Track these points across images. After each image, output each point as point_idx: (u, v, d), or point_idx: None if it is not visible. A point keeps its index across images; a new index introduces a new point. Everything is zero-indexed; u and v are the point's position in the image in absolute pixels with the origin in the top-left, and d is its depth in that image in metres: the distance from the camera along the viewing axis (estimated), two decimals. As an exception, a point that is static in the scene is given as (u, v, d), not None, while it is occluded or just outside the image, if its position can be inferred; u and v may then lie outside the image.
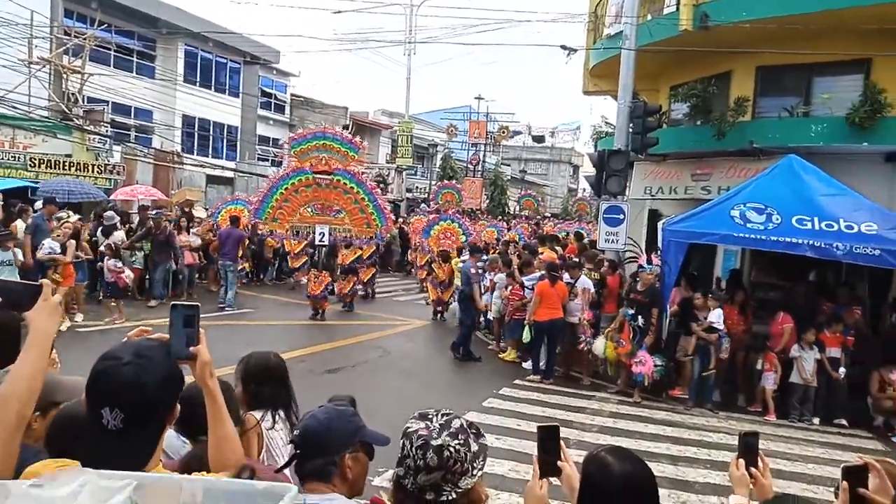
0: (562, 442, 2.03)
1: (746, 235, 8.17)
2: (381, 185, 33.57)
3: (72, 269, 10.09)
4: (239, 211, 15.45)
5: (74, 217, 11.45)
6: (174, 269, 13.16)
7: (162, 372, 1.46)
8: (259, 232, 14.67)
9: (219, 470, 1.66)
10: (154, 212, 13.49)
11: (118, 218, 13.02)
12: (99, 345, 2.34)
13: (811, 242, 7.76)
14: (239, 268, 14.67)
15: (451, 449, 1.63)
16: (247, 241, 15.25)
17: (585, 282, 9.77)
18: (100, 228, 12.22)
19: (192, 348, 1.63)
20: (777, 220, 8.16)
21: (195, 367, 1.65)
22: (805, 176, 8.75)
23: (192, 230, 15.09)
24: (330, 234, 12.78)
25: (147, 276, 12.72)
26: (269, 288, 16.68)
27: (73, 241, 10.08)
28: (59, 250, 9.73)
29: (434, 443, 1.63)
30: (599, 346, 9.17)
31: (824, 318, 8.69)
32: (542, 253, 11.89)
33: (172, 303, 1.74)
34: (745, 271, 10.53)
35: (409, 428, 1.69)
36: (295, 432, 1.87)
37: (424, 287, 15.81)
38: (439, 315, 14.01)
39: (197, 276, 15.02)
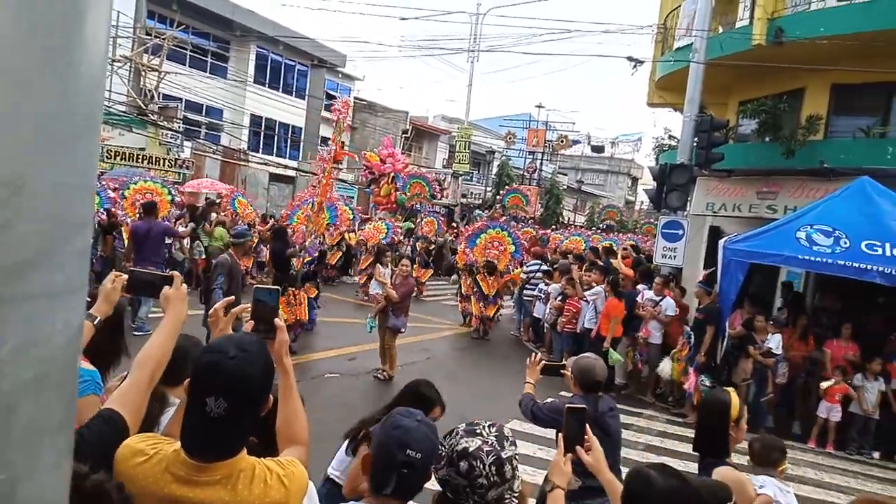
0: (587, 424, 2.18)
1: (812, 258, 7.85)
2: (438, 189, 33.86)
3: None
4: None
5: None
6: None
7: (261, 364, 1.58)
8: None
9: (286, 445, 1.77)
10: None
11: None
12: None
13: (881, 269, 7.39)
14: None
15: (516, 458, 1.66)
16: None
17: (670, 304, 9.31)
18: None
19: (275, 321, 1.82)
20: (845, 244, 7.83)
21: (273, 345, 1.80)
22: (878, 199, 8.34)
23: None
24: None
25: None
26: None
27: None
28: None
29: (504, 455, 1.63)
30: (666, 368, 8.97)
31: (893, 349, 8.28)
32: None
33: (255, 286, 1.93)
34: (809, 295, 10.14)
35: (465, 447, 1.63)
36: (411, 452, 1.56)
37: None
38: (482, 333, 12.52)
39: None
